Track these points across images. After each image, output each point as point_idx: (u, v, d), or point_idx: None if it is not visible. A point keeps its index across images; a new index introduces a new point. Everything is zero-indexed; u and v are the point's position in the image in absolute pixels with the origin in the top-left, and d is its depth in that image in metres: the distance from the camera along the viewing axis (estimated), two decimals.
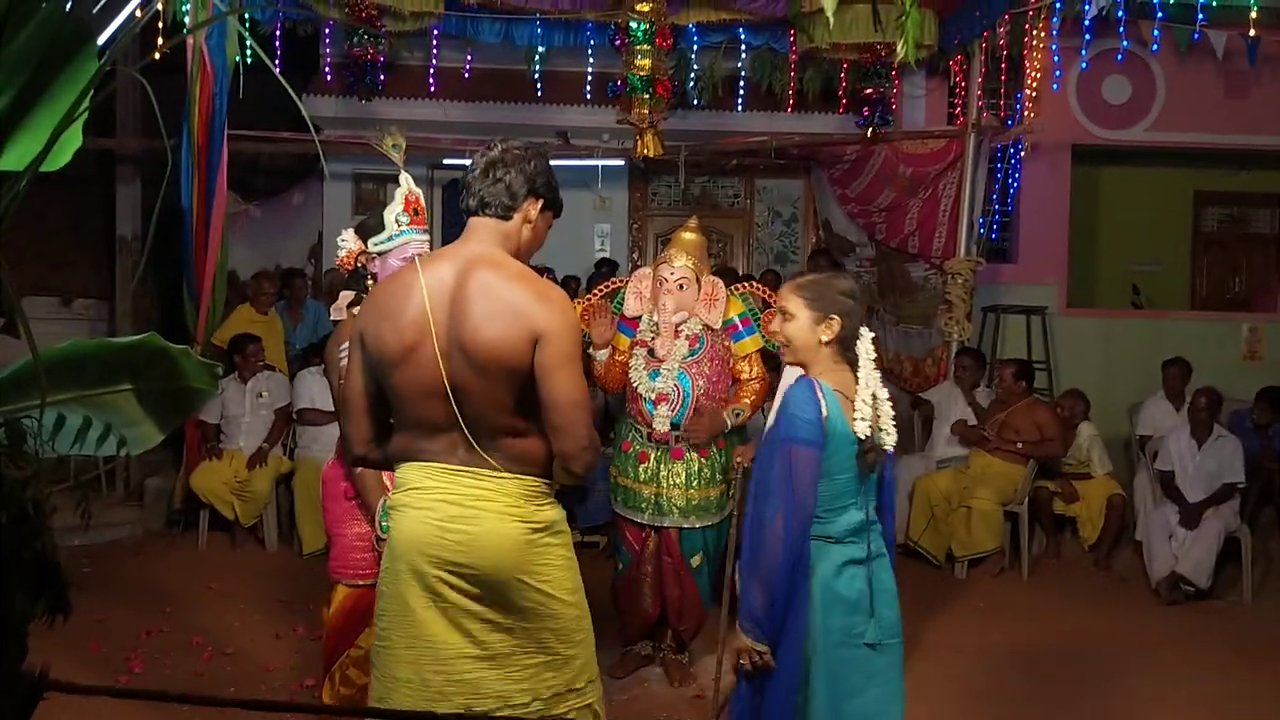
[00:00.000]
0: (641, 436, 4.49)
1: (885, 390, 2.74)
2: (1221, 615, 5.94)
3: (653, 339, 4.43)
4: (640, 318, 4.52)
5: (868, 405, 2.66)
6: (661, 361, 4.39)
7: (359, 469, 3.16)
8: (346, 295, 3.34)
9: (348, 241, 3.31)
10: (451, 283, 2.33)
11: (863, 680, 2.68)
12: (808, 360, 2.76)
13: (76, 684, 1.51)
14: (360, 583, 3.32)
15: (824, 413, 2.62)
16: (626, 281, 4.71)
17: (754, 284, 4.81)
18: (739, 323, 4.53)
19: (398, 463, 2.45)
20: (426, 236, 3.30)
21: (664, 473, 4.44)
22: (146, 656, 4.73)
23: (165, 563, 6.29)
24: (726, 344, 4.49)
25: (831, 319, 2.71)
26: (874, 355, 2.72)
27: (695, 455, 4.44)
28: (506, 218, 2.43)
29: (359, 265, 3.29)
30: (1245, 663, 5.15)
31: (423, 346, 2.31)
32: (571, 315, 2.36)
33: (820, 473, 2.62)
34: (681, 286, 4.38)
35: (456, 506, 2.34)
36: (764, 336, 4.53)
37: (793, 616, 2.62)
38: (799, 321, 2.75)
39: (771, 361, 4.68)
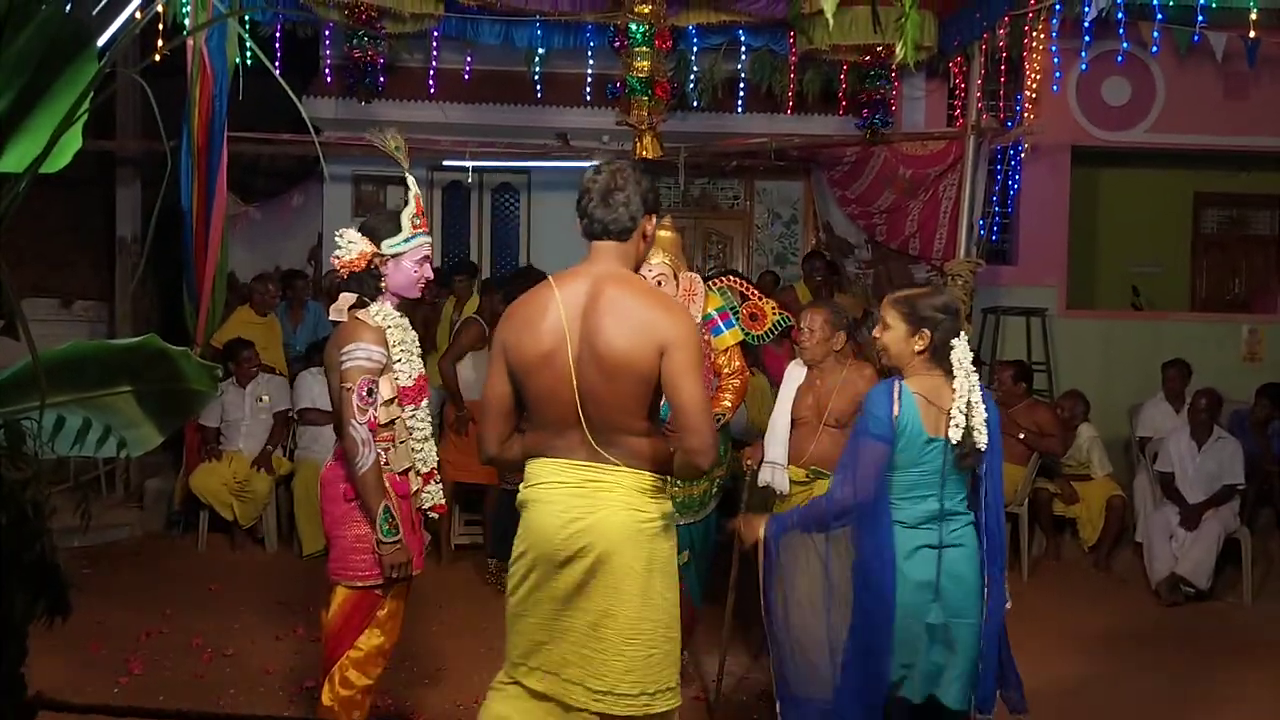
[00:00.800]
0: None
1: (980, 395, 3.01)
2: (1221, 616, 5.94)
3: None
4: None
5: (961, 412, 2.97)
6: None
7: (362, 473, 3.18)
8: (348, 298, 3.30)
9: (356, 243, 3.28)
10: (584, 298, 2.56)
11: (924, 656, 3.00)
12: (902, 366, 3.10)
13: (70, 702, 1.50)
14: (360, 584, 3.30)
15: (895, 412, 2.98)
16: None
17: (732, 278, 4.83)
18: (718, 317, 4.53)
19: (530, 458, 2.67)
20: (430, 238, 3.35)
21: None
22: (146, 658, 4.72)
23: (165, 564, 6.29)
24: (706, 339, 4.49)
25: (924, 331, 3.05)
26: (970, 363, 3.03)
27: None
28: (625, 238, 2.64)
29: (372, 266, 3.28)
30: (1245, 664, 5.15)
31: (557, 354, 2.55)
32: (693, 327, 2.59)
33: (890, 465, 2.99)
34: (659, 283, 4.39)
35: (578, 497, 2.57)
36: (743, 330, 4.54)
37: (879, 594, 2.97)
38: (895, 332, 3.10)
39: (751, 355, 4.68)
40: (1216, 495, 6.25)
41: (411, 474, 3.34)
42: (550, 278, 2.68)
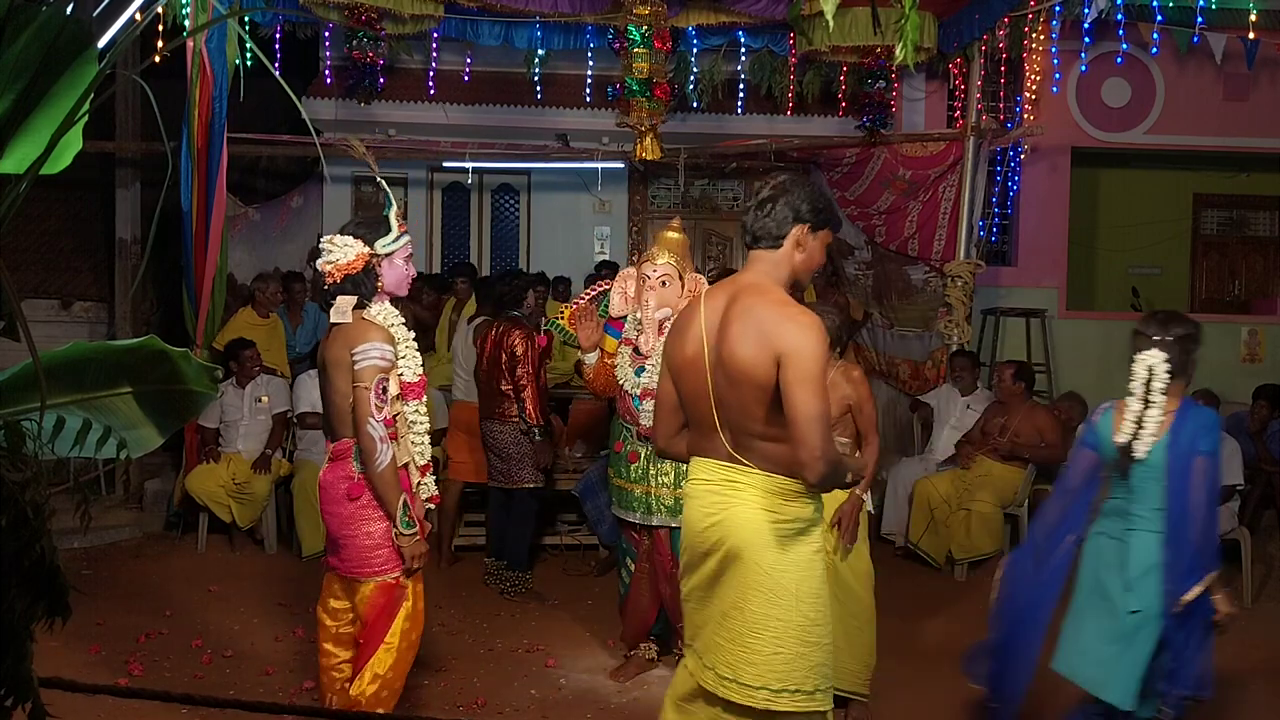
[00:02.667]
0: (631, 435, 4.51)
1: (1156, 413, 3.41)
2: None
3: (637, 336, 4.45)
4: (626, 318, 4.54)
5: (1130, 421, 3.43)
6: (646, 358, 4.41)
7: (381, 470, 3.26)
8: (349, 300, 3.35)
9: (353, 246, 3.34)
10: (723, 306, 2.70)
11: (1092, 627, 3.54)
12: None
13: (80, 682, 1.51)
14: (385, 577, 3.38)
15: (1096, 421, 3.60)
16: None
17: None
18: None
19: (693, 455, 2.84)
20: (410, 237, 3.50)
21: (653, 472, 4.46)
22: (146, 659, 4.73)
23: (164, 565, 6.28)
24: None
25: None
26: (1144, 375, 3.46)
27: None
28: (777, 247, 2.73)
29: (371, 266, 3.35)
30: (1244, 665, 5.14)
31: (698, 360, 2.71)
32: (815, 339, 2.58)
33: (1099, 467, 3.51)
34: (664, 283, 4.40)
35: (716, 495, 2.71)
36: None
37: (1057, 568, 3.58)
38: None
39: None
40: None
41: (411, 467, 3.38)
42: (709, 288, 2.92)
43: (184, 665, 4.70)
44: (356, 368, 3.26)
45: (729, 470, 2.69)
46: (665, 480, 4.45)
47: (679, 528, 4.46)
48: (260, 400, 6.78)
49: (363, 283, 3.35)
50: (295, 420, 6.85)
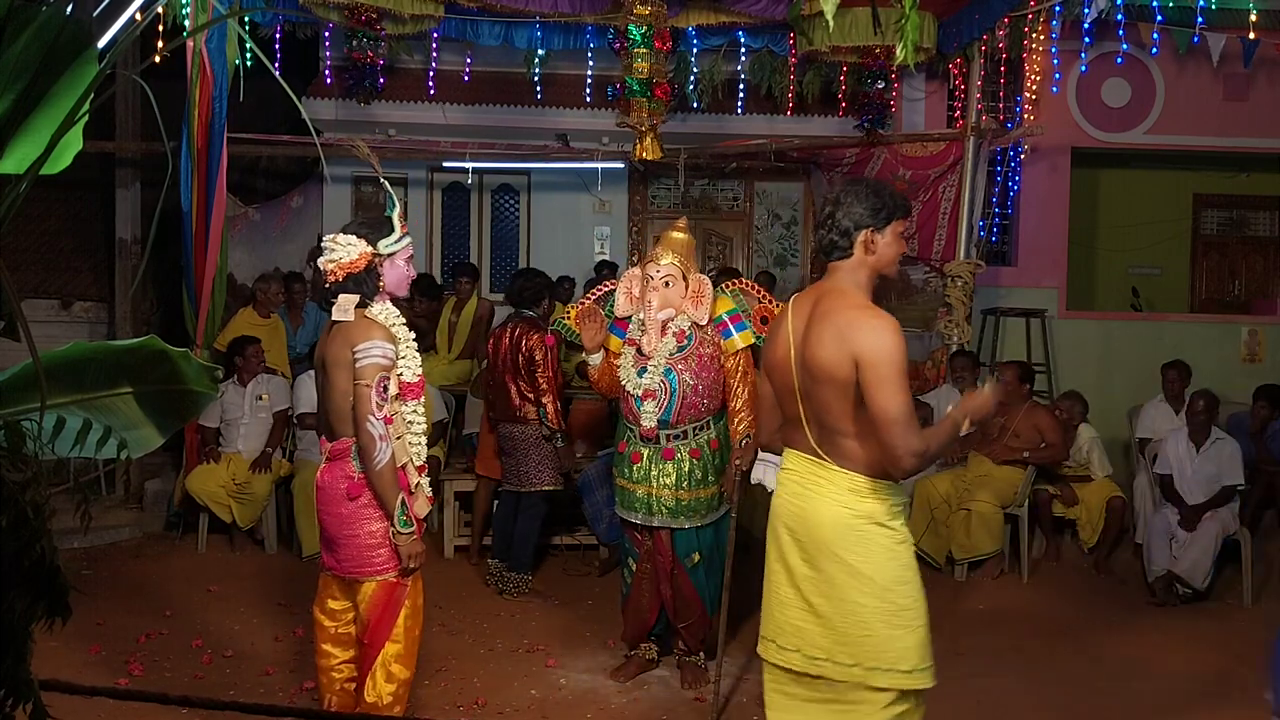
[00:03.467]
0: (634, 436, 4.50)
1: None
2: (1221, 618, 5.94)
3: (640, 336, 4.45)
4: (631, 318, 4.54)
5: None
6: (648, 359, 4.40)
7: (380, 468, 3.26)
8: (351, 298, 3.36)
9: (356, 245, 3.36)
10: (809, 311, 2.87)
11: None
12: None
13: (79, 684, 1.51)
14: (383, 576, 3.38)
15: None
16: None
17: (744, 280, 4.81)
18: (728, 320, 4.52)
19: (786, 447, 3.00)
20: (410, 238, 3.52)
21: (655, 472, 4.45)
22: (146, 659, 4.73)
23: (165, 565, 6.28)
24: (716, 341, 4.49)
25: None
26: None
27: (687, 456, 4.44)
28: (847, 256, 2.88)
29: (373, 266, 3.37)
30: (1244, 665, 5.14)
31: (786, 361, 2.90)
32: (891, 341, 2.69)
33: None
34: (667, 284, 4.39)
35: (800, 486, 2.88)
36: (754, 333, 4.53)
37: None
38: None
39: (759, 357, 4.68)
40: (1216, 497, 6.25)
41: (410, 467, 3.38)
42: (794, 295, 3.05)
43: (184, 665, 4.70)
44: (358, 365, 3.27)
45: (813, 464, 2.85)
46: (667, 482, 4.44)
47: (679, 529, 4.48)
48: (261, 399, 6.78)
49: (364, 282, 3.36)
50: (295, 420, 6.85)
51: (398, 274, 3.45)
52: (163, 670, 4.63)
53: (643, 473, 4.47)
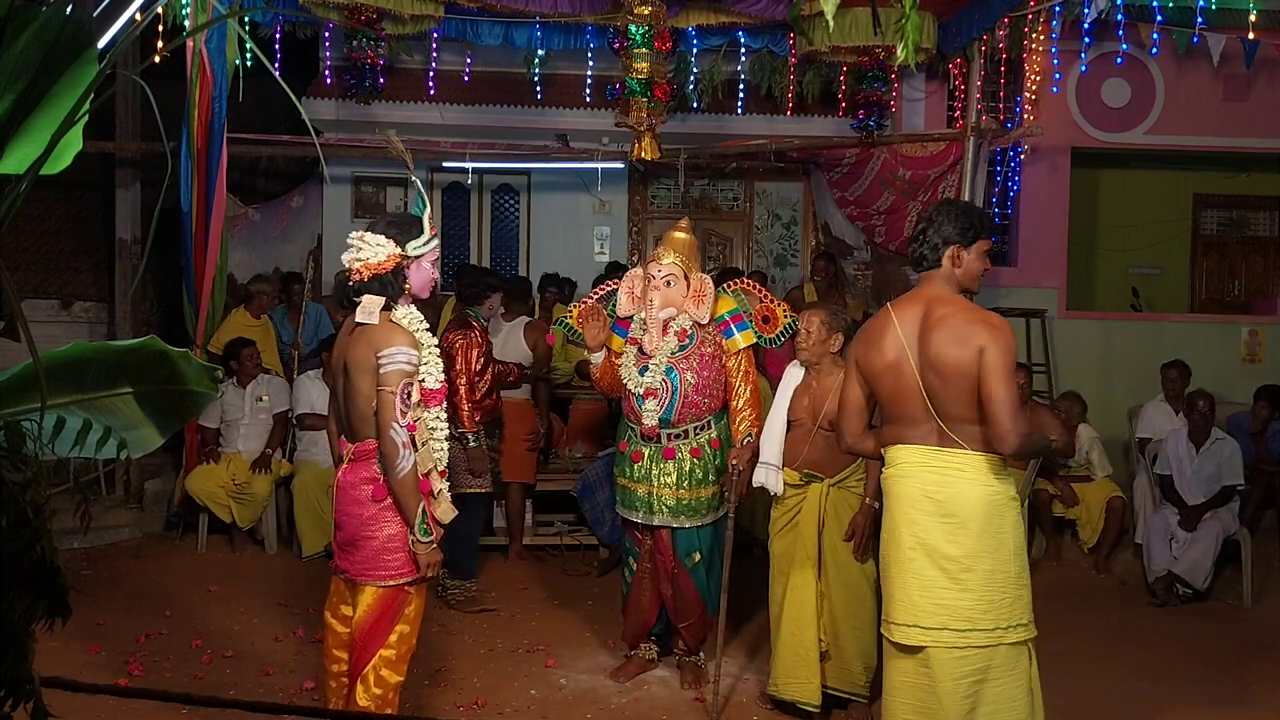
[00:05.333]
0: (635, 435, 4.50)
1: None
2: (1221, 618, 5.94)
3: (642, 336, 4.44)
4: (633, 317, 4.54)
5: None
6: (650, 358, 4.40)
7: (402, 476, 3.22)
8: (376, 300, 3.28)
9: (384, 246, 3.28)
10: (919, 318, 3.18)
11: None
12: None
13: (80, 682, 1.51)
14: (391, 583, 3.34)
15: None
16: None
17: (746, 280, 4.81)
18: (730, 320, 4.52)
19: (888, 446, 3.26)
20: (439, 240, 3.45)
21: (655, 472, 4.44)
22: (146, 659, 4.72)
23: (165, 565, 6.29)
24: (718, 340, 4.49)
25: None
26: None
27: (687, 455, 4.44)
28: (938, 266, 3.25)
29: (400, 267, 3.30)
30: (1244, 665, 5.15)
31: (902, 364, 3.17)
32: (1006, 338, 3.10)
33: None
34: (669, 283, 4.39)
35: (938, 474, 3.14)
36: (756, 333, 4.53)
37: None
38: None
39: (760, 356, 4.69)
40: (1216, 497, 6.25)
41: (433, 474, 3.35)
42: (889, 304, 3.31)
43: (184, 665, 4.70)
44: (382, 371, 3.20)
45: (944, 454, 3.14)
46: (668, 481, 4.44)
47: (680, 528, 4.48)
48: (261, 399, 6.78)
49: (390, 284, 3.29)
50: (295, 421, 6.85)
51: (423, 276, 3.38)
52: (163, 670, 4.63)
53: (643, 472, 4.47)
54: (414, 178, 3.52)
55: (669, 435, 4.44)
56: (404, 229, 3.34)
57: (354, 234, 3.35)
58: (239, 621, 5.31)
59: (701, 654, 4.68)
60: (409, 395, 3.23)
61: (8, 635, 1.60)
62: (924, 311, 3.20)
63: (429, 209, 3.41)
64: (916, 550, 3.15)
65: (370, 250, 3.28)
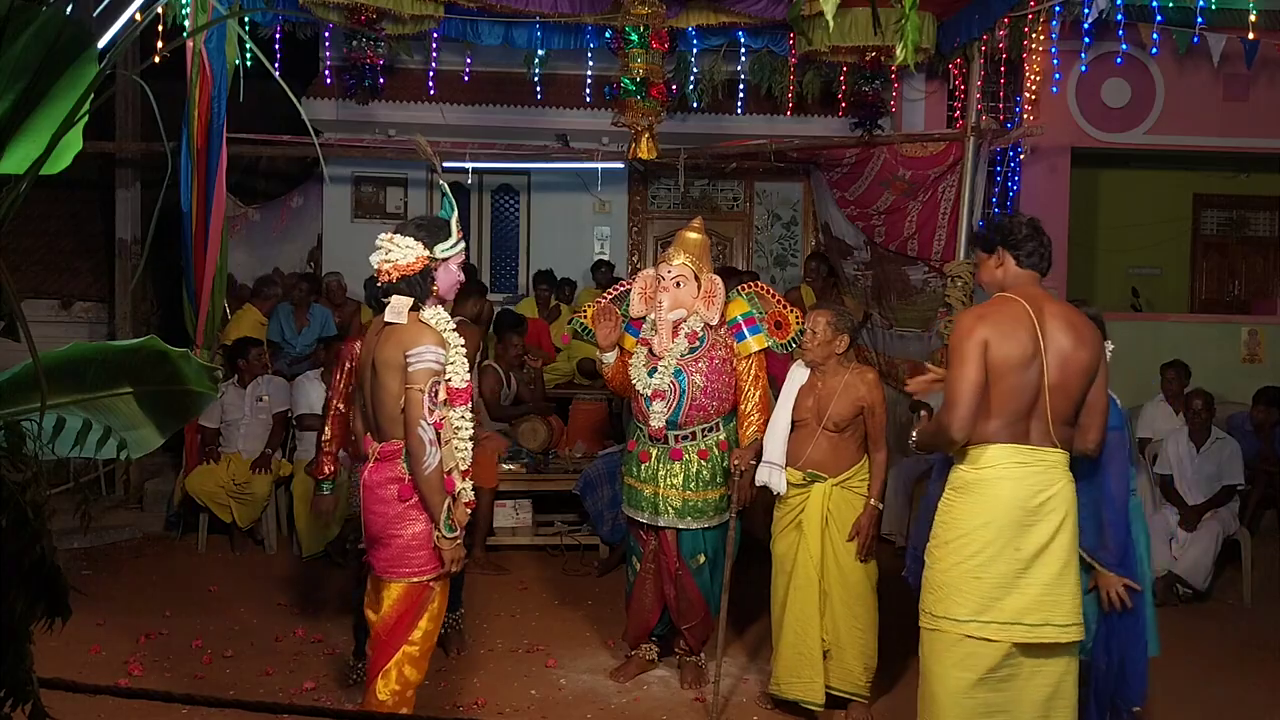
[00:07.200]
0: (643, 435, 4.50)
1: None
2: (1221, 617, 5.94)
3: (653, 336, 4.44)
4: (645, 318, 4.53)
5: None
6: (659, 359, 4.40)
7: (428, 473, 3.26)
8: (405, 300, 3.33)
9: (414, 248, 3.34)
10: (1044, 315, 3.21)
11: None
12: None
13: (80, 683, 1.51)
14: (416, 579, 3.38)
15: None
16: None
17: (760, 284, 4.78)
18: (742, 323, 4.50)
19: (991, 442, 3.18)
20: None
21: (662, 472, 4.44)
22: (146, 659, 4.73)
23: (165, 565, 6.29)
24: (729, 343, 4.48)
25: None
26: None
27: (695, 457, 4.44)
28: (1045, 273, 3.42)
29: (428, 269, 3.36)
30: (1244, 665, 5.15)
31: (1036, 359, 3.17)
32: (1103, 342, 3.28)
33: None
34: (679, 284, 4.39)
35: (1042, 473, 3.17)
36: (768, 337, 4.51)
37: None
38: None
39: (771, 361, 4.68)
40: (1216, 497, 6.25)
41: (455, 472, 3.39)
42: (1010, 295, 3.29)
43: (184, 665, 4.70)
44: (411, 369, 3.26)
45: (1048, 453, 3.18)
46: (674, 482, 4.43)
47: (685, 529, 4.47)
48: (261, 400, 6.78)
49: (418, 285, 3.35)
50: (295, 422, 6.85)
51: (450, 278, 3.44)
52: (163, 670, 4.63)
53: (650, 472, 4.47)
54: (441, 180, 3.57)
55: (676, 437, 4.44)
56: (432, 232, 3.41)
57: (383, 235, 3.40)
58: (239, 621, 5.31)
59: (702, 654, 4.68)
60: (436, 394, 3.28)
61: (7, 635, 1.60)
62: (1053, 311, 3.26)
63: (455, 212, 3.47)
64: (1009, 551, 3.15)
65: (400, 252, 3.33)
